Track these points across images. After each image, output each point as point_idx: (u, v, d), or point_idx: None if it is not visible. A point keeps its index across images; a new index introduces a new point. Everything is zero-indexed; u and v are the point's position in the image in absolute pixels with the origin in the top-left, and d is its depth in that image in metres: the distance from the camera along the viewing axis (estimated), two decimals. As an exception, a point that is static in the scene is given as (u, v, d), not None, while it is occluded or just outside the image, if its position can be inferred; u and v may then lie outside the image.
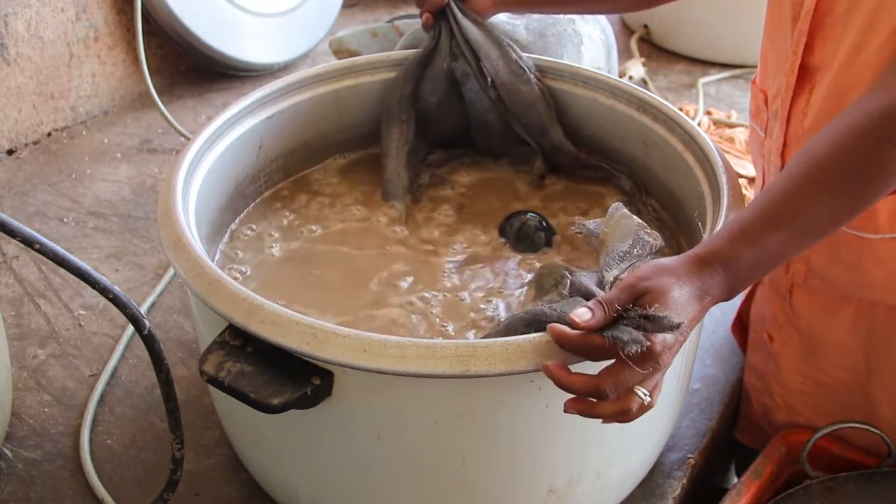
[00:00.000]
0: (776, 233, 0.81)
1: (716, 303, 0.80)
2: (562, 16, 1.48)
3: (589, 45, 1.48)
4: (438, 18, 1.22)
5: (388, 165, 1.21)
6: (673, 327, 0.74)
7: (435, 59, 1.22)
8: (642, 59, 2.08)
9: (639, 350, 0.73)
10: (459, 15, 1.21)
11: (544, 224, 1.15)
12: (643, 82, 2.00)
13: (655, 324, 0.74)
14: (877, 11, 0.90)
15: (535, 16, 1.47)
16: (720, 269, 0.79)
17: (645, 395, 0.76)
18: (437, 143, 1.28)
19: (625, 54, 2.09)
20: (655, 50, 2.18)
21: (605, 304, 0.76)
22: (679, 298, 0.76)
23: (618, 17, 2.30)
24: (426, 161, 1.26)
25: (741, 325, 1.27)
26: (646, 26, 2.20)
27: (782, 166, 1.06)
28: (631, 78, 1.97)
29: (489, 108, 1.23)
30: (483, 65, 1.20)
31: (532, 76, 1.21)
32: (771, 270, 0.86)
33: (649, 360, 0.75)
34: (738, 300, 1.28)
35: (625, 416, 0.77)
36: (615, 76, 1.31)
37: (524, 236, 1.14)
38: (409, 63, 1.22)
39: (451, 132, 1.27)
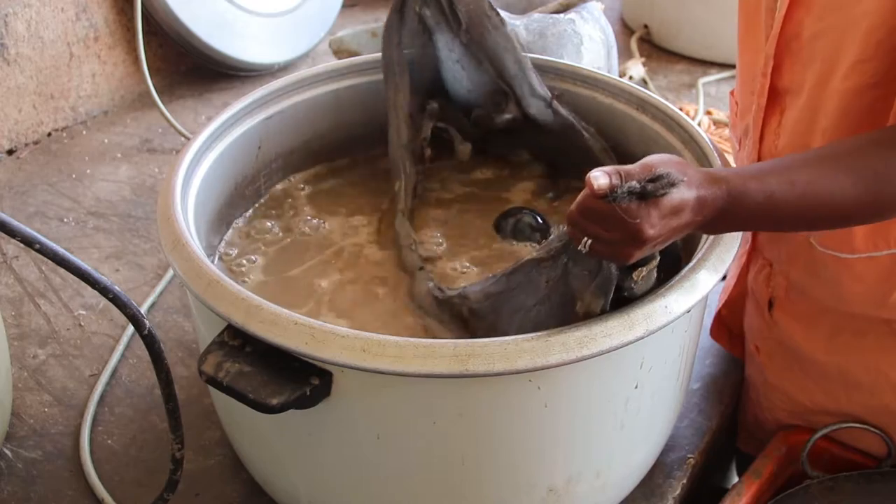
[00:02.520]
0: (786, 189, 0.81)
1: (704, 224, 0.80)
2: (562, 16, 1.48)
3: (589, 45, 1.48)
4: None
5: (391, 121, 1.19)
6: (676, 182, 0.74)
7: (408, 3, 1.18)
8: (642, 59, 2.08)
9: (629, 201, 0.73)
10: None
11: (539, 221, 1.14)
12: (643, 82, 2.00)
13: (657, 182, 0.74)
14: (841, 40, 0.90)
15: (536, 15, 1.47)
16: (725, 191, 0.79)
17: (584, 247, 0.77)
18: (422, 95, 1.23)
19: (625, 54, 2.09)
20: (655, 50, 2.17)
21: (621, 173, 0.75)
22: (684, 196, 0.76)
23: (618, 17, 2.30)
24: (427, 111, 1.22)
25: (726, 331, 1.27)
26: (646, 26, 2.20)
27: None
28: (631, 78, 1.97)
29: (461, 56, 1.18)
30: (457, 7, 1.14)
31: (504, 20, 1.16)
32: (763, 227, 0.87)
33: (627, 224, 0.74)
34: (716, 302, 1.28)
35: (569, 231, 0.80)
36: (615, 76, 1.31)
37: (519, 234, 1.13)
38: (389, 13, 1.19)
39: (430, 82, 1.23)
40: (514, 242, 1.13)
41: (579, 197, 0.77)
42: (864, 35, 0.88)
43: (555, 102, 1.19)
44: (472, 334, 0.95)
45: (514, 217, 1.15)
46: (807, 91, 0.95)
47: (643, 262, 0.82)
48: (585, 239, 0.78)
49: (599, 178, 0.74)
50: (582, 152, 1.18)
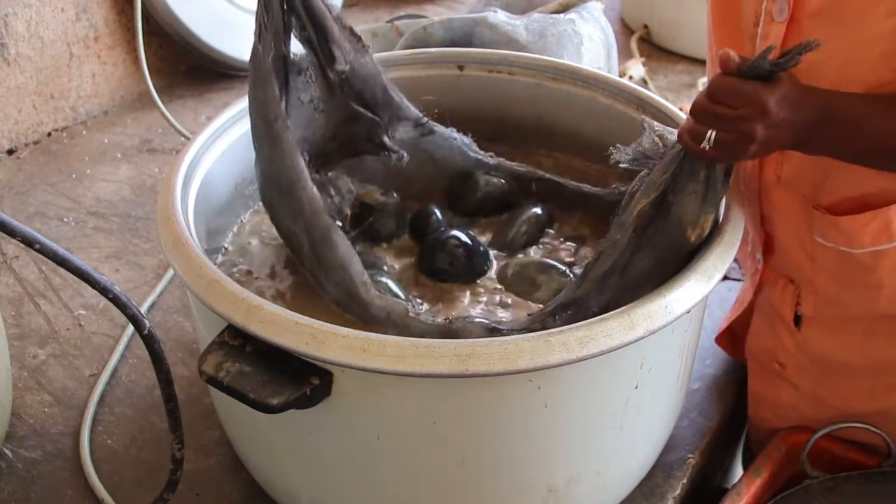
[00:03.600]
0: (865, 117, 0.86)
1: (804, 125, 0.84)
2: (561, 16, 1.48)
3: (589, 45, 1.48)
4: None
5: (301, 188, 0.98)
6: (812, 47, 0.78)
7: (264, 39, 1.03)
8: (642, 59, 2.08)
9: (766, 68, 0.79)
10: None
11: (469, 244, 1.06)
12: (643, 82, 2.00)
13: (788, 53, 0.78)
14: (846, 66, 0.89)
15: (536, 15, 1.47)
16: (817, 104, 0.84)
17: (708, 140, 0.82)
18: None
19: (625, 54, 2.09)
20: (655, 50, 2.18)
21: (746, 58, 0.80)
22: (790, 91, 0.82)
23: (618, 17, 2.30)
24: (329, 133, 1.09)
25: (732, 337, 1.26)
26: (646, 26, 2.20)
27: (760, 205, 1.05)
28: (631, 78, 1.97)
29: (325, 96, 1.06)
30: (333, 48, 1.03)
31: (366, 44, 1.06)
32: (846, 149, 0.90)
33: (757, 96, 0.79)
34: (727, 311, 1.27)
35: (687, 136, 0.85)
36: (615, 76, 1.31)
37: (448, 265, 1.07)
38: (252, 51, 1.07)
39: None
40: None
41: (708, 82, 0.83)
42: (879, 59, 0.87)
43: (430, 123, 1.12)
44: None
45: (438, 248, 1.07)
46: None
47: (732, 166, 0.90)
48: (709, 134, 0.81)
49: (732, 52, 0.80)
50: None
